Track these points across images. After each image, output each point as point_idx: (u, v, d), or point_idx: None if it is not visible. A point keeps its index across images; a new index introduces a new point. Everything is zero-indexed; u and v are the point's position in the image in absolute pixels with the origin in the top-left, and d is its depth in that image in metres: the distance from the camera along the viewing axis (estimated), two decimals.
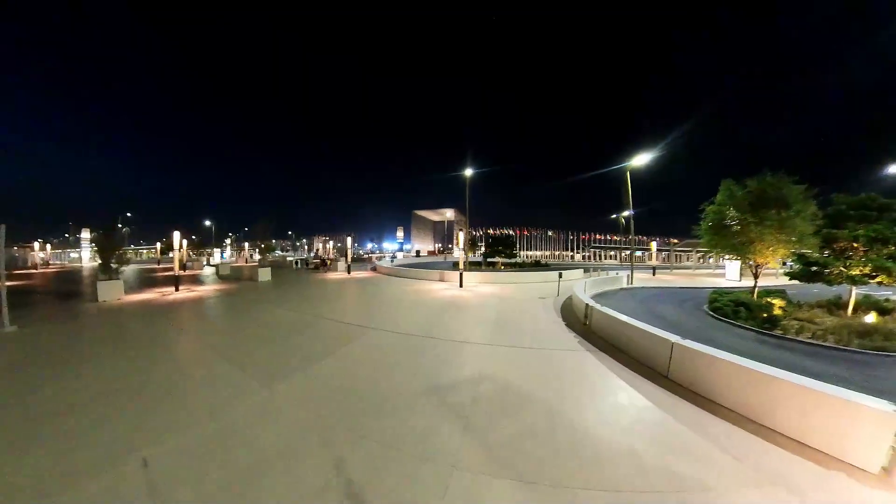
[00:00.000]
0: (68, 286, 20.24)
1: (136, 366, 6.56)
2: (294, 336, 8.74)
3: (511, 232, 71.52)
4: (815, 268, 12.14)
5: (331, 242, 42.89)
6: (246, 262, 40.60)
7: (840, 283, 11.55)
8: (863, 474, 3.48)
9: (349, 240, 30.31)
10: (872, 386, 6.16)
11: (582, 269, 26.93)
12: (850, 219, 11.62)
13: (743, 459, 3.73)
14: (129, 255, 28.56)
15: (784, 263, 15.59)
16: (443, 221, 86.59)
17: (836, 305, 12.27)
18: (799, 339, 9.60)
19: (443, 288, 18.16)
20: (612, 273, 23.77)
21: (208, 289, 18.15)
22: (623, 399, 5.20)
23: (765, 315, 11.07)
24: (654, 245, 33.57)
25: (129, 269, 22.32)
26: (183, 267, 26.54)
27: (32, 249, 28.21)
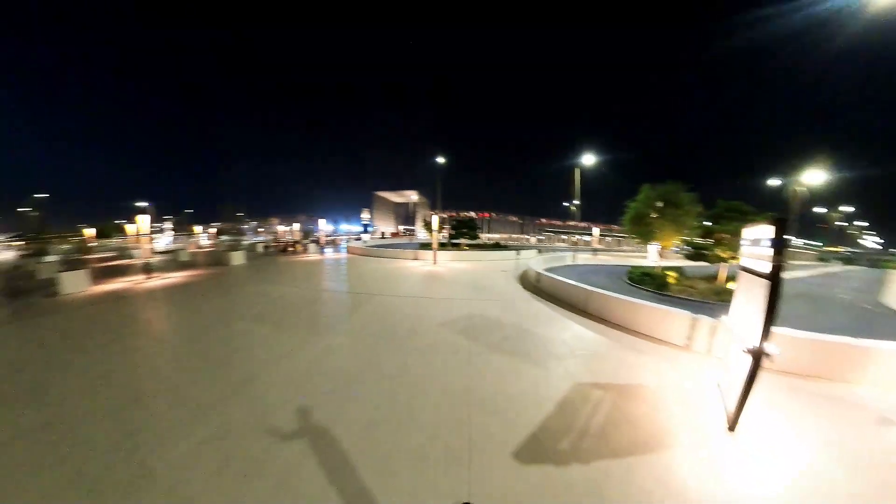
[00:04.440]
0: None
1: (207, 335, 8.51)
2: (309, 305, 10.32)
3: (474, 215, 75.22)
4: (699, 251, 16.78)
5: (296, 225, 41.92)
6: (199, 248, 35.38)
7: (716, 262, 15.90)
8: (675, 346, 6.98)
9: (322, 221, 31.19)
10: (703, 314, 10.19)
11: (536, 251, 31.14)
12: (724, 218, 16.05)
13: (619, 340, 7.15)
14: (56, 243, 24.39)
15: (678, 249, 20.43)
16: (405, 203, 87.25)
17: (715, 278, 17.10)
18: (678, 296, 13.97)
19: (419, 265, 20.78)
20: (560, 253, 28.15)
21: (184, 274, 16.30)
22: (557, 321, 8.55)
23: (660, 282, 15.46)
24: (596, 230, 38.99)
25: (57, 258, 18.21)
26: (129, 255, 22.62)
27: None
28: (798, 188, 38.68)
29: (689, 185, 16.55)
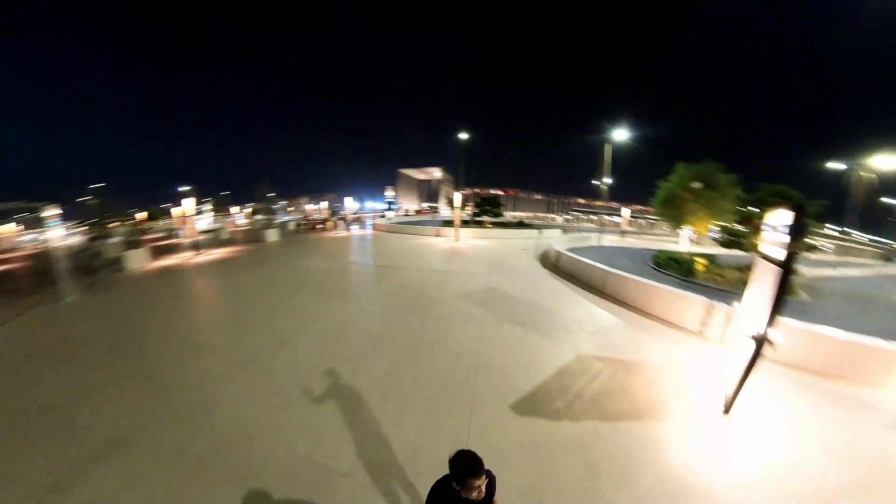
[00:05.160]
0: (74, 262, 15.47)
1: (257, 300, 9.38)
2: (338, 277, 11.38)
3: (499, 192, 73.81)
4: (735, 238, 15.62)
5: (323, 203, 43.21)
6: (236, 227, 36.31)
7: (750, 251, 14.45)
8: (688, 331, 6.98)
9: (348, 199, 31.93)
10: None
11: (560, 230, 30.57)
12: (767, 203, 14.85)
13: (631, 321, 7.28)
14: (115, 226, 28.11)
15: (713, 234, 19.20)
16: (429, 180, 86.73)
17: (749, 268, 15.87)
18: (704, 284, 13.54)
19: (441, 241, 21.17)
20: (585, 234, 27.51)
21: (225, 250, 17.51)
22: (572, 299, 8.73)
23: (687, 268, 14.97)
24: (626, 211, 37.43)
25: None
26: (177, 235, 24.53)
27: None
28: (864, 174, 34.67)
29: (729, 167, 15.42)
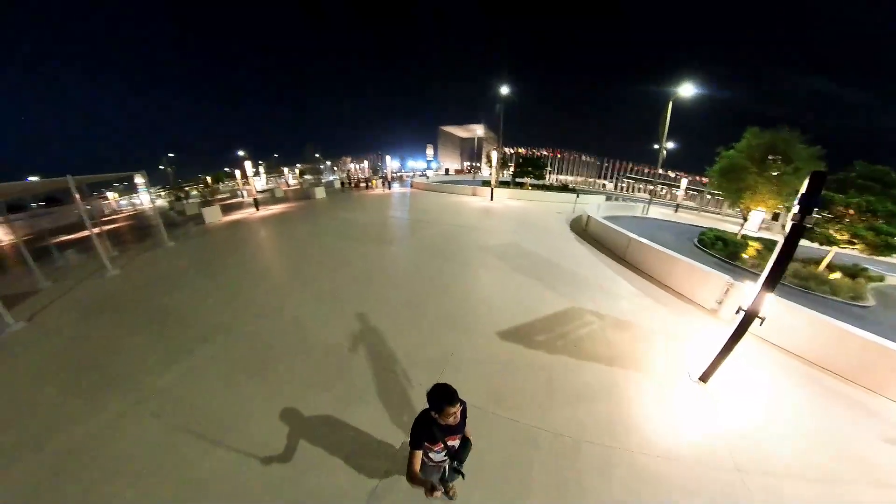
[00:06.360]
0: (165, 219, 18.79)
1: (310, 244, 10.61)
2: (377, 228, 12.72)
3: (545, 153, 69.47)
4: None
5: (365, 163, 44.55)
6: (288, 186, 40.48)
7: (821, 243, 11.91)
8: (701, 307, 6.87)
9: (388, 158, 32.31)
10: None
11: (604, 197, 28.93)
12: (857, 187, 12.15)
13: (642, 288, 7.42)
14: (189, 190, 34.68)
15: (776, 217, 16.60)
16: (471, 138, 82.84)
17: (814, 262, 12.57)
18: (748, 269, 12.64)
19: (476, 201, 21.33)
20: (631, 203, 25.85)
21: (282, 207, 19.73)
22: (588, 261, 9.03)
23: (733, 250, 13.91)
24: (684, 182, 34.03)
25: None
26: (239, 194, 29.47)
27: (106, 198, 30.82)
28: None
29: (816, 137, 13.07)
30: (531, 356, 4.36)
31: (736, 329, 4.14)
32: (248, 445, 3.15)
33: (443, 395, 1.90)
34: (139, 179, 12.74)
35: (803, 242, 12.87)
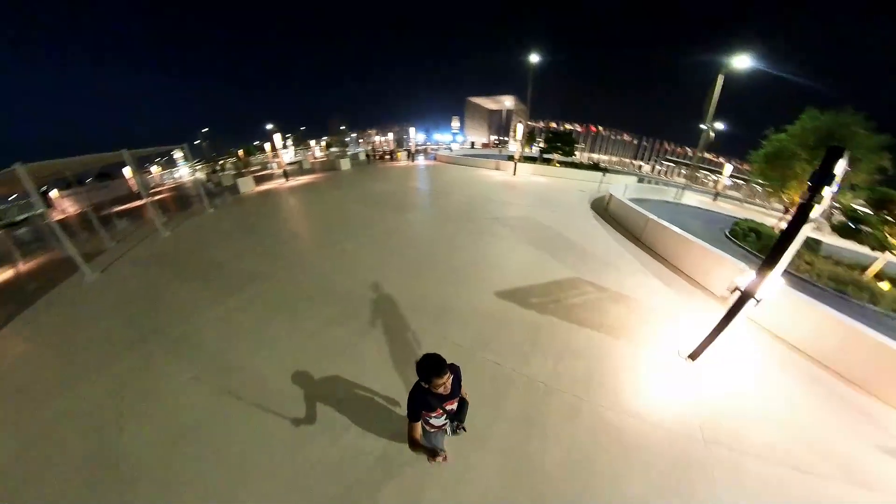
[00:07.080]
0: (204, 189, 20.31)
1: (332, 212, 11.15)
2: (398, 196, 13.27)
3: (577, 128, 65.78)
4: (854, 223, 11.20)
5: (390, 135, 44.25)
6: (315, 159, 41.33)
7: (871, 246, 10.59)
8: (711, 294, 6.60)
9: (412, 130, 31.76)
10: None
11: (636, 178, 27.52)
12: None
13: (651, 269, 7.37)
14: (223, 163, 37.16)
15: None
16: (500, 111, 78.99)
17: (860, 267, 11.21)
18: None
19: (498, 174, 21.01)
20: (663, 187, 24.53)
21: (309, 178, 20.61)
22: (602, 239, 8.98)
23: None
24: (728, 168, 31.54)
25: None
26: (269, 166, 30.91)
27: (150, 173, 32.41)
28: None
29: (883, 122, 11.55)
30: (523, 313, 4.76)
31: (730, 308, 4.16)
32: (276, 361, 4.13)
33: (430, 368, 1.94)
34: (178, 154, 14.33)
35: (854, 247, 11.51)
